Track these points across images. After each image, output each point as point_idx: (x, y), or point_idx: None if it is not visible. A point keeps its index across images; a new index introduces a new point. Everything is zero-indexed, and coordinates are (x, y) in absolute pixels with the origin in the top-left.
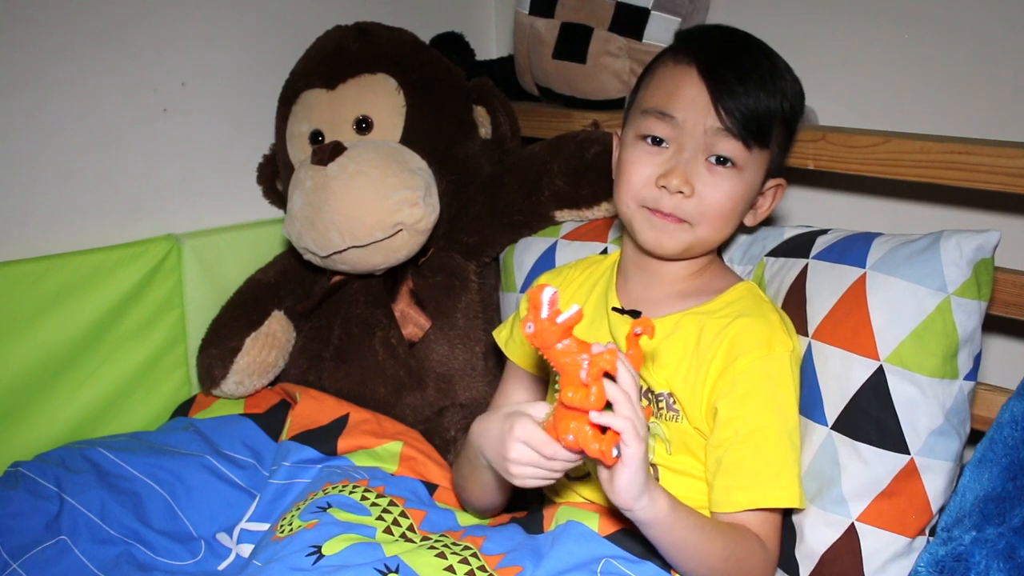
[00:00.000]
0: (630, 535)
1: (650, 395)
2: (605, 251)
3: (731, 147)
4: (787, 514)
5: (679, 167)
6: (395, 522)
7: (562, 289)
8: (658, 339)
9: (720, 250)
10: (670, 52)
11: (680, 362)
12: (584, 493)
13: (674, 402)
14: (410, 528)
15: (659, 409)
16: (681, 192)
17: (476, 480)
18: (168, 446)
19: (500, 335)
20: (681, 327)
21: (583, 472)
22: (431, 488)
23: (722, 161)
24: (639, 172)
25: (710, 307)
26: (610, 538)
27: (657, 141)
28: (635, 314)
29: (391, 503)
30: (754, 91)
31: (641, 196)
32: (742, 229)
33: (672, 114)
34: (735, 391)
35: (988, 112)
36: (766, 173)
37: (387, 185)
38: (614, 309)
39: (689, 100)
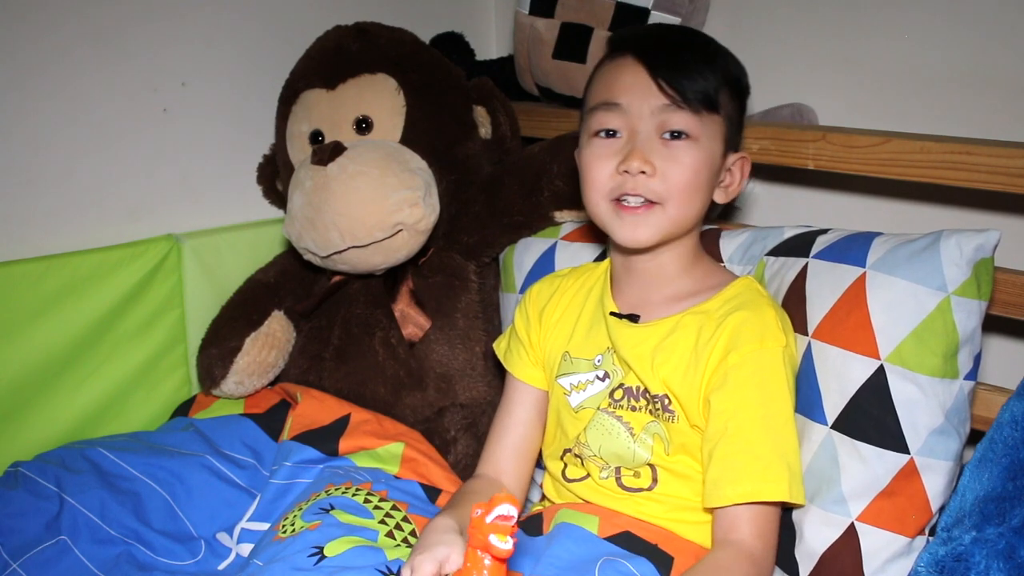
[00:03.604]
0: (631, 537)
1: (647, 395)
2: (604, 253)
3: (681, 119)
4: (787, 512)
5: (636, 149)
6: (397, 527)
7: (556, 298)
8: (659, 339)
9: (712, 248)
10: (606, 55)
11: (679, 362)
12: (584, 495)
13: (669, 403)
14: (412, 533)
15: (656, 410)
16: (643, 172)
17: None
18: (168, 446)
19: (499, 347)
20: (681, 327)
21: (583, 474)
22: (434, 493)
23: (676, 135)
24: (600, 166)
25: (709, 305)
26: (611, 540)
27: (611, 133)
28: (634, 318)
29: (394, 507)
30: (691, 61)
31: (607, 189)
32: (736, 218)
33: (617, 102)
34: (726, 384)
35: (988, 112)
36: (724, 143)
37: (387, 185)
38: (612, 314)
39: (630, 84)
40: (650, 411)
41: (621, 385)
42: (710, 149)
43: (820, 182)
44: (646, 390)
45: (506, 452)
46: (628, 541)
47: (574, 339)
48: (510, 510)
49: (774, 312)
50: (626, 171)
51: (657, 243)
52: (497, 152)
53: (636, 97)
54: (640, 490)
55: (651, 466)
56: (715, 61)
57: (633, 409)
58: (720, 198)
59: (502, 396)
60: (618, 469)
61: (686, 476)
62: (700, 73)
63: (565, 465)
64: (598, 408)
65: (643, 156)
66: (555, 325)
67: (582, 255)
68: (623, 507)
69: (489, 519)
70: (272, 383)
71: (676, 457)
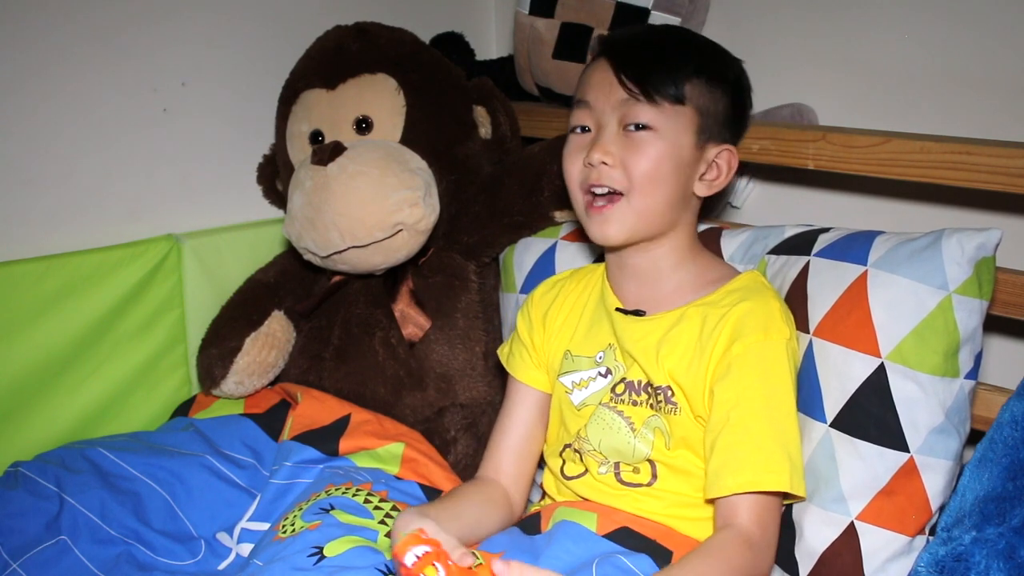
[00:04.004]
0: (629, 533)
1: (650, 388)
2: (602, 255)
3: (641, 112)
4: (787, 511)
5: (598, 142)
6: None
7: (559, 301)
8: (663, 330)
9: (713, 248)
10: (591, 57)
11: (684, 352)
12: (583, 492)
13: (672, 395)
14: None
15: (659, 403)
16: (605, 163)
17: None
18: (168, 446)
19: (503, 352)
20: (686, 318)
21: (581, 470)
22: (434, 494)
23: (638, 127)
24: (573, 160)
25: (713, 297)
26: (609, 537)
27: (585, 129)
28: (639, 313)
29: (394, 508)
30: (656, 55)
31: (578, 181)
32: (726, 215)
33: (585, 99)
34: (729, 375)
35: (988, 112)
36: (697, 134)
37: (387, 185)
38: (618, 310)
39: (597, 82)
40: (651, 405)
41: (623, 379)
42: (674, 141)
43: (820, 182)
44: (649, 383)
45: (506, 454)
46: (627, 537)
47: (575, 337)
48: (414, 554)
49: (779, 304)
50: (590, 163)
51: (629, 238)
52: (497, 152)
53: (601, 94)
54: (639, 485)
55: (651, 462)
56: (684, 54)
57: (634, 404)
58: (702, 191)
59: (504, 398)
60: (617, 464)
61: (686, 472)
62: (664, 66)
63: (564, 462)
64: (599, 403)
65: (604, 148)
66: (560, 329)
67: (582, 255)
68: (621, 503)
69: (409, 563)
70: (272, 383)
71: (677, 452)
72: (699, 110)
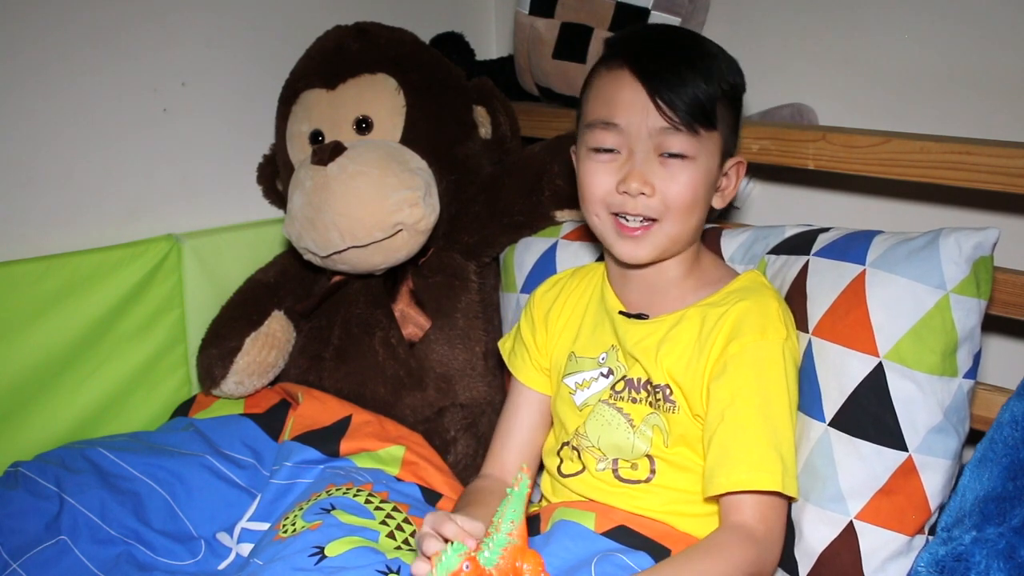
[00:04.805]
0: (628, 531)
1: (649, 386)
2: (603, 254)
3: (679, 142)
4: (788, 508)
5: (634, 170)
6: (398, 527)
7: (562, 300)
8: (664, 330)
9: (714, 248)
10: (603, 60)
11: (684, 351)
12: (580, 490)
13: (671, 393)
14: (413, 535)
15: (657, 401)
16: (643, 193)
17: None
18: (168, 446)
19: (504, 347)
20: (686, 318)
21: (579, 468)
22: (434, 497)
23: (674, 155)
24: (599, 184)
25: (714, 298)
26: (607, 535)
27: (608, 150)
28: (642, 317)
29: (395, 509)
30: (690, 79)
31: (607, 203)
32: (729, 217)
33: (615, 122)
34: (725, 373)
35: (988, 112)
36: (721, 154)
37: (387, 185)
38: (621, 313)
39: (628, 104)
40: (650, 403)
41: (624, 377)
42: (707, 166)
43: (820, 182)
44: (648, 381)
45: (511, 453)
46: (625, 535)
47: (579, 339)
48: None
49: (777, 304)
50: (626, 192)
51: (657, 259)
52: (497, 152)
53: (635, 117)
54: (637, 482)
55: (649, 457)
56: (712, 74)
57: (634, 401)
58: (718, 203)
59: (507, 398)
60: (615, 461)
61: (684, 468)
62: (698, 90)
63: (561, 460)
64: (599, 400)
65: (642, 177)
66: (562, 330)
67: (583, 254)
68: (619, 500)
69: None
70: (272, 383)
71: (675, 449)
72: (723, 130)
